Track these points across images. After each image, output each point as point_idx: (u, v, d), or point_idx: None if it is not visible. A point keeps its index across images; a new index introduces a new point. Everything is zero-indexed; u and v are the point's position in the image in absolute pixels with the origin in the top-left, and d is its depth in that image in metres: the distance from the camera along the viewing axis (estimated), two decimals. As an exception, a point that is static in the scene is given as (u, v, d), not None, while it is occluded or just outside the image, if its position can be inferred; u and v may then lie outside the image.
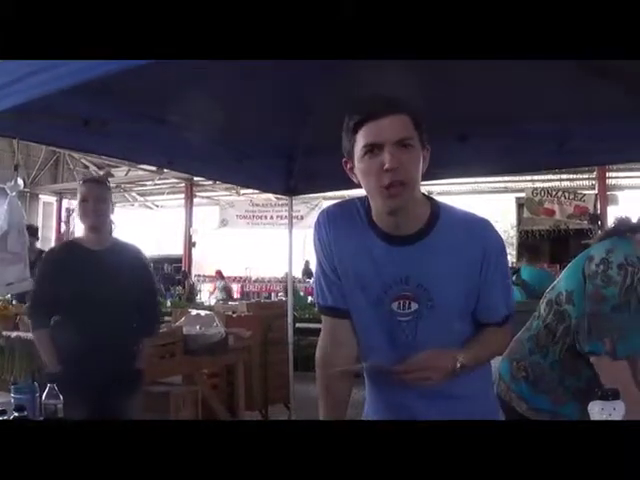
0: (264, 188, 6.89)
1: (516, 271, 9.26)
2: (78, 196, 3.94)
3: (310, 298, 17.46)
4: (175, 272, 24.02)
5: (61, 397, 2.81)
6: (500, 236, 2.26)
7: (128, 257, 4.02)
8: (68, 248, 4.11)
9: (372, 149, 2.03)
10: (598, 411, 1.91)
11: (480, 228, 2.20)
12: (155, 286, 4.40)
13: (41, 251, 9.14)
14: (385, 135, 2.02)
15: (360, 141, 2.06)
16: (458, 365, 2.12)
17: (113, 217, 4.08)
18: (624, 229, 2.83)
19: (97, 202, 3.86)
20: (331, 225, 2.26)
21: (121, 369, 3.85)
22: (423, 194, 2.21)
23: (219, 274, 22.80)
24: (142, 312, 4.10)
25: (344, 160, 2.18)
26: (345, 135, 2.13)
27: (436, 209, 2.18)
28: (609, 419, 1.88)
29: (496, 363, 2.87)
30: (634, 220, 2.86)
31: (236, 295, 21.85)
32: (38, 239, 10.21)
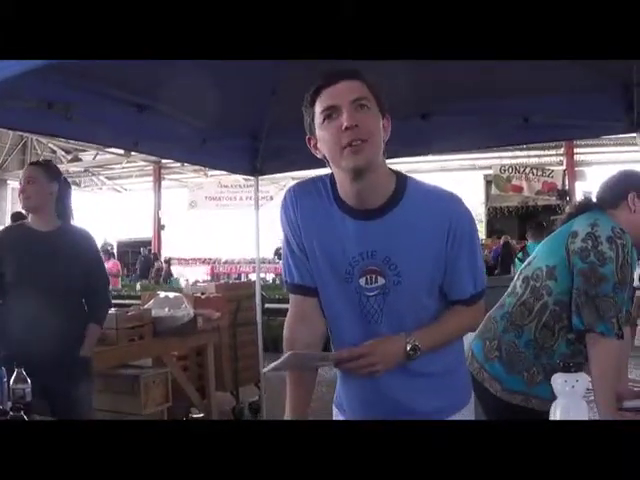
0: (230, 169, 6.86)
1: (522, 248, 9.31)
2: None
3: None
4: (148, 254, 23.98)
5: (29, 381, 2.80)
6: (469, 211, 2.23)
7: (74, 240, 3.95)
8: (14, 229, 4.09)
9: (330, 114, 2.05)
10: (561, 383, 1.93)
11: (447, 202, 2.18)
12: (104, 271, 4.24)
13: None
14: (341, 96, 2.04)
15: (318, 108, 2.09)
16: (409, 348, 2.13)
17: (72, 202, 4.07)
18: (596, 204, 2.86)
19: (26, 184, 3.86)
20: (297, 202, 2.25)
21: (61, 356, 3.72)
22: (390, 169, 2.20)
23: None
24: (89, 297, 4.02)
25: (307, 138, 2.19)
26: (305, 111, 2.16)
27: (402, 183, 2.17)
28: (572, 390, 1.91)
29: (468, 340, 2.87)
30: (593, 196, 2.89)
31: (207, 277, 21.85)
32: None
